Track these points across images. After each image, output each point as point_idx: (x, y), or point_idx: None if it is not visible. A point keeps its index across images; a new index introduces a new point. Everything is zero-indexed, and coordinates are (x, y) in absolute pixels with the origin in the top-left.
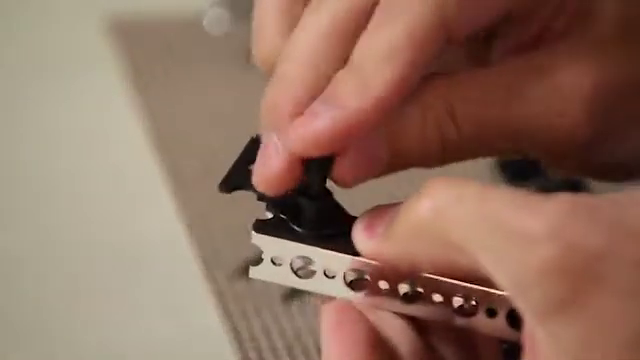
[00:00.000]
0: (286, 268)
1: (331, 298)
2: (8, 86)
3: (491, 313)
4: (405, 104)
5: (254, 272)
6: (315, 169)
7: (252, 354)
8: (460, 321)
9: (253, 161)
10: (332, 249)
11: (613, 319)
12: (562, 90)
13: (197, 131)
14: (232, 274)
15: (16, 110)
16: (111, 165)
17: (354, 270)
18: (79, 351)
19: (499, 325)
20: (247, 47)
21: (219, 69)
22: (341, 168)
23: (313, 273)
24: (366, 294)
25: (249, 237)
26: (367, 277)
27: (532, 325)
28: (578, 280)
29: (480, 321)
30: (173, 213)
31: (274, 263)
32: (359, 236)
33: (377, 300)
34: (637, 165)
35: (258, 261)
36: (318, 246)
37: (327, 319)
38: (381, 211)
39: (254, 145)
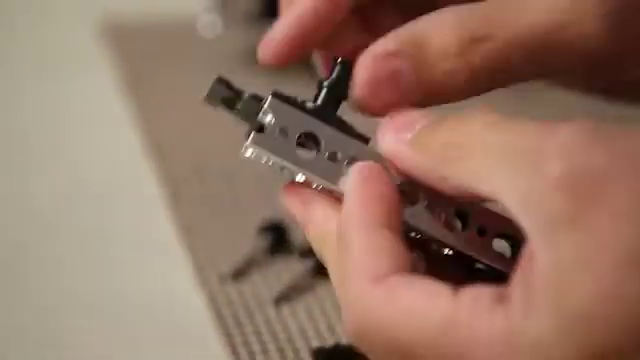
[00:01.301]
0: (291, 141)
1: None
2: (3, 86)
3: (481, 232)
4: (423, 30)
5: (257, 139)
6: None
7: (244, 358)
8: (446, 234)
9: (223, 98)
10: (346, 133)
11: (608, 238)
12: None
13: (190, 133)
14: (224, 277)
15: (13, 109)
16: (104, 166)
17: (360, 158)
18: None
19: (486, 244)
20: (239, 50)
21: (212, 71)
22: (362, 93)
23: (316, 153)
24: None
25: (243, 237)
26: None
27: (534, 241)
28: (581, 198)
29: (469, 238)
30: (166, 216)
31: (281, 134)
32: (387, 135)
33: None
34: None
35: (262, 128)
36: (332, 126)
37: (354, 175)
38: (412, 118)
39: (220, 85)
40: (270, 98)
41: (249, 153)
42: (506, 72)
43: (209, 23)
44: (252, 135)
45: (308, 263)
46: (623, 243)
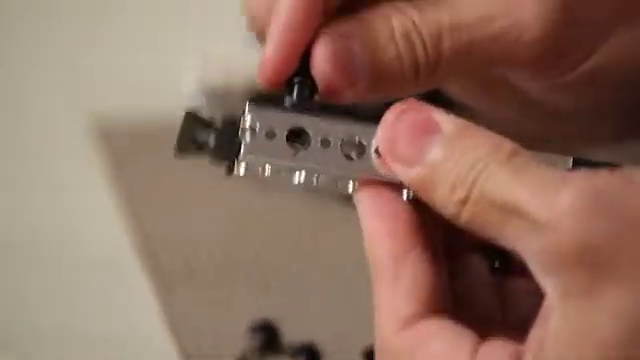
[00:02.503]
0: (281, 140)
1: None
2: None
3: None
4: (374, 19)
5: (248, 148)
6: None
7: None
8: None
9: (195, 132)
10: (328, 117)
11: (622, 311)
12: None
13: (181, 229)
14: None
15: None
16: (93, 263)
17: (351, 136)
18: None
19: None
20: None
21: (201, 168)
22: (322, 70)
23: (308, 145)
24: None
25: (234, 336)
26: (363, 140)
27: (551, 302)
28: (594, 269)
29: None
30: (156, 314)
31: (268, 137)
32: (406, 148)
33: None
34: (605, 85)
35: (251, 135)
36: (314, 115)
37: (364, 202)
38: (432, 116)
39: (190, 118)
40: (248, 105)
41: (242, 168)
42: (447, 65)
43: None
44: (242, 146)
45: None
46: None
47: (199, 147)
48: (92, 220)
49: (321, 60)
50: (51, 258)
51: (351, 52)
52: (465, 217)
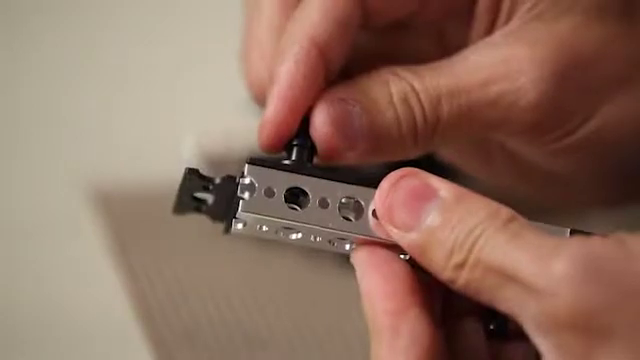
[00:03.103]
0: (279, 199)
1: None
2: None
3: None
4: (366, 82)
5: (246, 206)
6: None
7: None
8: None
9: (195, 189)
10: (327, 178)
11: None
12: (511, 59)
13: (180, 297)
14: None
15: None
16: (92, 331)
17: (349, 197)
18: None
19: None
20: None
21: (200, 235)
22: (322, 134)
23: (306, 204)
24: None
25: None
26: (361, 202)
27: None
28: (589, 335)
29: None
30: None
31: (267, 195)
32: (402, 213)
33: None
34: (604, 148)
35: (251, 193)
36: (313, 176)
37: (362, 262)
38: (431, 183)
39: (191, 175)
40: (247, 165)
41: (240, 226)
42: (445, 129)
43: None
44: (240, 204)
45: None
46: None
47: (198, 205)
48: (90, 286)
49: (321, 123)
50: (48, 325)
51: (350, 115)
52: (462, 282)
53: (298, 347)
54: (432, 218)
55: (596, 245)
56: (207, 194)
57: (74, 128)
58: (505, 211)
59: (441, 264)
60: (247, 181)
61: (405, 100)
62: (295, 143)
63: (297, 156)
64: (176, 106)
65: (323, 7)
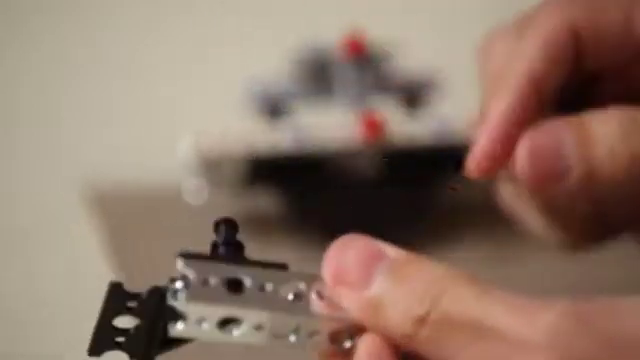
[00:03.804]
0: (218, 286)
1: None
2: None
3: None
4: (589, 116)
5: (189, 295)
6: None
7: None
8: None
9: (118, 313)
10: (263, 267)
11: None
12: None
13: None
14: None
15: None
16: (84, 335)
17: (288, 283)
18: None
19: None
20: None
21: (198, 238)
22: (525, 170)
23: (245, 291)
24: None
25: None
26: (301, 286)
27: None
28: None
29: None
30: None
31: (204, 285)
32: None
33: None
34: None
35: (187, 285)
36: (248, 265)
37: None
38: (377, 247)
39: (115, 293)
40: (180, 259)
41: (179, 326)
42: None
43: (194, 189)
44: (183, 295)
45: None
46: None
47: (118, 336)
48: (87, 285)
49: (523, 154)
50: (45, 324)
51: (559, 145)
52: (421, 338)
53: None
54: (386, 274)
55: (583, 301)
56: (131, 317)
57: (72, 127)
58: (464, 272)
59: (398, 320)
60: (182, 274)
61: (626, 138)
62: (220, 242)
63: (228, 251)
64: (174, 106)
65: (542, 45)
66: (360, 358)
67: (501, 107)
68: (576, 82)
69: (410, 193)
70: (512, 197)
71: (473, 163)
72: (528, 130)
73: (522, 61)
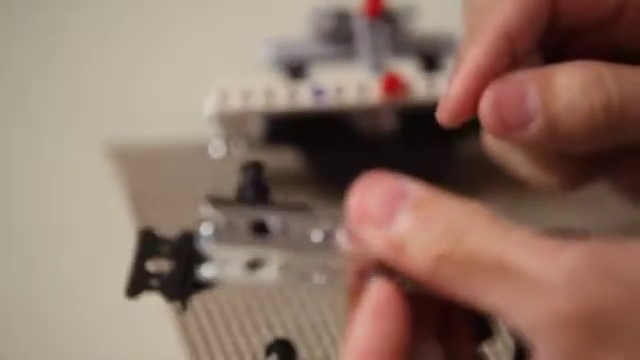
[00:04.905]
0: (244, 230)
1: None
2: (5, 206)
3: None
4: (553, 68)
5: (212, 238)
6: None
7: None
8: None
9: (150, 257)
10: (289, 210)
11: None
12: None
13: None
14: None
15: (15, 231)
16: (108, 292)
17: (314, 225)
18: None
19: None
20: None
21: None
22: (488, 119)
23: (269, 236)
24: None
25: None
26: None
27: None
28: (594, 335)
29: None
30: (172, 334)
31: (229, 229)
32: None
33: None
34: None
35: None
36: (273, 209)
37: (370, 302)
38: (402, 187)
39: (146, 238)
40: (206, 203)
41: (208, 269)
42: (623, 128)
43: (217, 144)
44: (210, 238)
45: None
46: None
47: (151, 280)
48: (109, 245)
49: (488, 100)
50: (68, 286)
51: (522, 96)
52: (444, 276)
53: None
54: (409, 212)
55: (602, 245)
56: (162, 260)
57: (95, 87)
58: (487, 208)
59: (420, 257)
60: (208, 218)
61: (587, 92)
62: (250, 184)
63: (254, 192)
64: (198, 65)
65: (516, 3)
66: (368, 302)
67: (473, 59)
68: (557, 38)
69: (428, 150)
70: (496, 145)
71: (442, 111)
72: (494, 81)
73: (497, 15)
